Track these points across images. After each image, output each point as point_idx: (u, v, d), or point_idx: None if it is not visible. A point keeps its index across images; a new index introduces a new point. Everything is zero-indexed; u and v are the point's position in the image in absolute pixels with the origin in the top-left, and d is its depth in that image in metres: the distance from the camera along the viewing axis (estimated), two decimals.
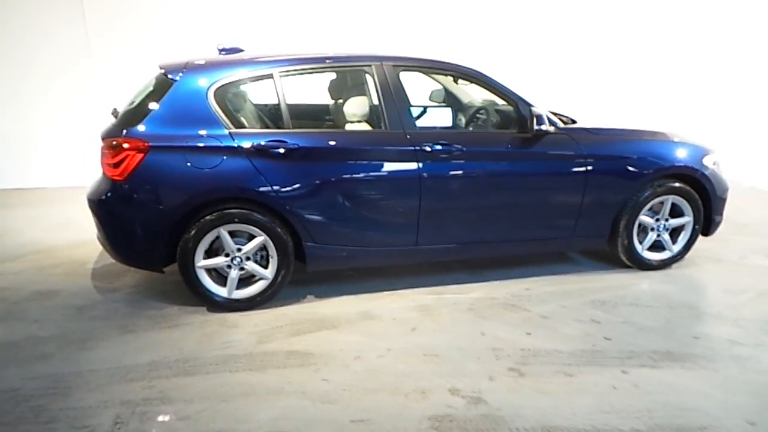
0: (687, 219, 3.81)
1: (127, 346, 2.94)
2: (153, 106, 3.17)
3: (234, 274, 3.26)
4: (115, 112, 3.60)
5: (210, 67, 3.26)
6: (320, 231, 3.29)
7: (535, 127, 3.35)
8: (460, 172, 3.39)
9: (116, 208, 3.15)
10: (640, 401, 2.49)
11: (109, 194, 3.13)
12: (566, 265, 4.01)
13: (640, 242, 3.81)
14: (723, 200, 3.86)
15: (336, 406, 2.48)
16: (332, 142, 3.28)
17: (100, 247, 4.25)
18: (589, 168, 3.53)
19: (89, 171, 6.13)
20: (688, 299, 3.51)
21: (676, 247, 3.87)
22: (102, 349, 2.92)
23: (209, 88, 3.17)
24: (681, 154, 3.69)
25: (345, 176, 3.24)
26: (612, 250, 3.87)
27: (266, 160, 3.15)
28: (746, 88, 6.70)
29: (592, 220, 3.66)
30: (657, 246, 3.88)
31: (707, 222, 3.86)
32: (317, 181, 3.21)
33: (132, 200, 3.11)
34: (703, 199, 3.79)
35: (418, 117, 4.47)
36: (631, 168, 3.59)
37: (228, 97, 3.24)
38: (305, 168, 3.20)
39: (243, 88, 3.35)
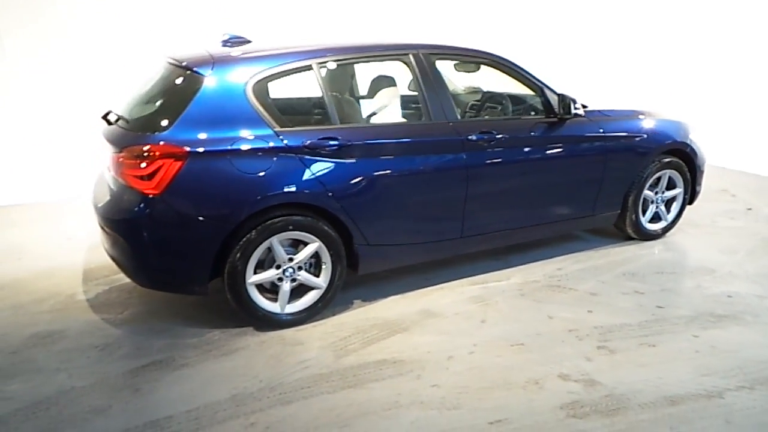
0: (679, 190, 4.18)
1: (191, 383, 2.56)
2: (181, 105, 2.76)
3: (286, 286, 2.97)
4: (112, 116, 3.09)
5: (244, 60, 2.91)
6: (373, 231, 3.11)
7: (573, 111, 3.45)
8: (500, 159, 3.39)
9: (151, 226, 2.70)
10: (726, 361, 2.70)
11: (140, 210, 2.68)
12: (576, 243, 4.19)
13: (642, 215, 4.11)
14: (702, 172, 4.28)
15: (463, 410, 2.38)
16: (383, 136, 3.11)
17: (76, 276, 3.68)
18: (608, 148, 3.72)
19: (9, 186, 5.24)
20: (697, 263, 3.85)
21: (670, 217, 4.24)
22: (162, 390, 2.52)
23: (247, 83, 2.83)
24: (676, 131, 4.02)
25: (397, 170, 3.09)
26: (619, 225, 4.13)
27: (318, 160, 2.90)
28: (680, 71, 7.31)
29: (609, 197, 3.87)
30: (653, 217, 4.21)
31: (692, 192, 4.26)
32: (370, 178, 3.02)
33: (172, 215, 2.70)
34: (689, 171, 4.17)
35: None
36: (640, 146, 3.86)
37: (267, 92, 2.93)
38: (357, 165, 2.99)
39: (281, 81, 3.03)
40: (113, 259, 2.98)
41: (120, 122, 3.00)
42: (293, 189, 2.84)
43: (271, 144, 2.81)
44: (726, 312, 3.17)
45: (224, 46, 3.26)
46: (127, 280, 3.56)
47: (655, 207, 4.15)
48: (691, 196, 4.27)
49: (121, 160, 2.72)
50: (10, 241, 4.26)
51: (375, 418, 2.33)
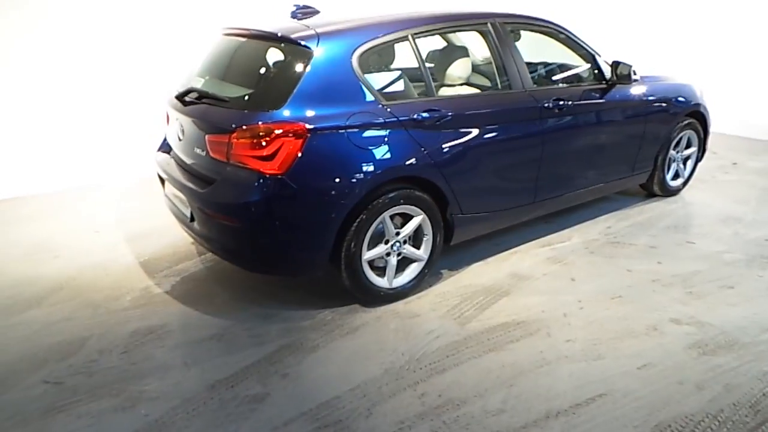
0: (694, 149, 4.57)
1: (334, 364, 2.54)
2: (291, 81, 2.65)
3: (394, 260, 2.98)
4: (193, 93, 2.91)
5: (346, 32, 2.82)
6: (468, 200, 3.17)
7: (633, 77, 3.68)
8: (568, 124, 3.55)
9: (275, 208, 2.59)
10: None
11: (262, 192, 2.56)
12: (609, 204, 4.44)
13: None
14: (709, 132, 4.70)
15: (607, 360, 2.55)
16: (479, 106, 3.16)
17: (134, 270, 3.46)
18: (649, 111, 4.00)
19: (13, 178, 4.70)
20: (722, 213, 4.25)
21: (686, 173, 4.63)
22: (311, 373, 2.47)
23: (351, 56, 2.76)
24: (695, 95, 4.38)
25: (489, 139, 3.16)
26: (646, 184, 4.45)
27: (423, 132, 2.90)
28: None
29: (645, 158, 4.16)
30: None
31: (703, 150, 4.67)
32: (467, 147, 3.07)
33: (296, 196, 2.60)
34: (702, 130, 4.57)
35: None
36: (672, 109, 4.17)
37: (370, 65, 2.87)
38: (456, 135, 3.02)
39: (381, 54, 2.97)
40: (214, 244, 2.84)
41: (208, 101, 2.83)
42: (406, 162, 2.83)
43: (383, 118, 2.77)
44: None
45: (293, 17, 3.15)
46: (195, 269, 3.45)
47: (676, 165, 4.52)
48: (702, 153, 4.69)
49: (233, 140, 2.58)
50: (37, 237, 3.87)
51: (533, 375, 2.45)
